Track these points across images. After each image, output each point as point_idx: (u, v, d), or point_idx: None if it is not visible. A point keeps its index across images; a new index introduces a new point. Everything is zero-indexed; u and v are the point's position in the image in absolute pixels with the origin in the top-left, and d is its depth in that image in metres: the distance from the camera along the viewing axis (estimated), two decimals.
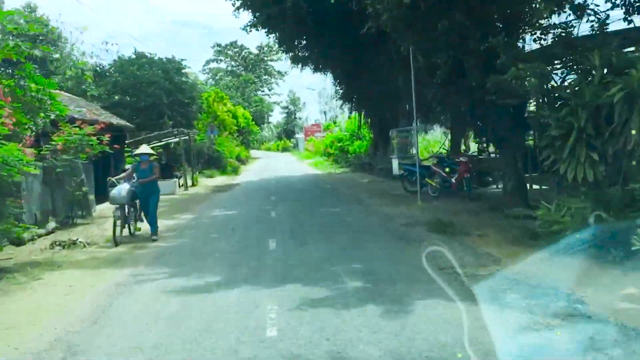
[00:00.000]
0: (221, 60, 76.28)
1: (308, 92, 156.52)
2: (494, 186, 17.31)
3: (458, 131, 21.65)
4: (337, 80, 30.98)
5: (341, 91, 31.70)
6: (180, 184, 24.84)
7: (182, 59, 34.33)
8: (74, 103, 19.76)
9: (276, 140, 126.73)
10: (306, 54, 27.16)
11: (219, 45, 75.42)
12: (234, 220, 14.04)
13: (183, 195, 22.22)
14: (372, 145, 32.37)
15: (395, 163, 23.61)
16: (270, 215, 14.56)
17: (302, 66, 28.82)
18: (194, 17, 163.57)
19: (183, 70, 34.37)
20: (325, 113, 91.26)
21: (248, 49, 76.59)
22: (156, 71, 32.71)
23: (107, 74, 33.10)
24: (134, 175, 11.83)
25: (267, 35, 27.15)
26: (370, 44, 18.80)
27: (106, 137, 14.49)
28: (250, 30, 23.84)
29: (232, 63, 77.05)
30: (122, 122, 23.17)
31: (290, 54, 27.90)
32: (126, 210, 11.36)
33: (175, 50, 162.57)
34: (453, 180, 16.10)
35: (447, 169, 16.56)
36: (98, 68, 33.46)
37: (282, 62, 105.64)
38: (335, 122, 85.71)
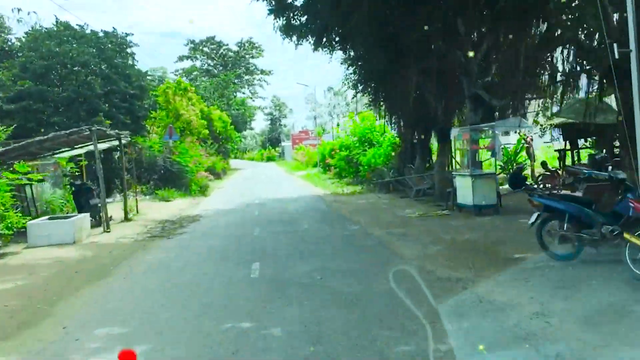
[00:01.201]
0: (196, 58, 66.13)
1: (293, 99, 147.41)
2: None
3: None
4: (357, 66, 21.22)
5: (356, 77, 21.87)
6: (100, 220, 14.70)
7: (126, 34, 24.16)
8: None
9: (260, 149, 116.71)
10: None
11: (192, 41, 65.42)
12: None
13: (81, 251, 12.04)
14: (401, 155, 22.52)
15: (463, 183, 13.80)
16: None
17: (330, 51, 19.52)
18: (179, 29, 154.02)
19: (128, 50, 24.23)
20: (315, 118, 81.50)
21: (227, 45, 66.64)
22: (86, 49, 22.57)
23: (16, 52, 22.82)
24: None
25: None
26: None
27: None
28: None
29: (209, 62, 66.96)
30: None
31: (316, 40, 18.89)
32: None
33: (155, 62, 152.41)
34: None
35: None
36: (2, 44, 23.17)
37: (263, 58, 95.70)
38: (324, 129, 76.12)
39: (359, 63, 21.19)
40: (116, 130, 16.12)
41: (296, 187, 29.60)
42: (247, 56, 66.91)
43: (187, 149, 25.41)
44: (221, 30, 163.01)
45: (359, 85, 22.52)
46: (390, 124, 24.13)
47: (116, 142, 17.02)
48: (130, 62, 24.15)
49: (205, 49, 66.44)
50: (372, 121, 28.56)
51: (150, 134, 26.66)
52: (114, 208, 17.92)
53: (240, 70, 66.60)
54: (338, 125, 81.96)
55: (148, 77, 26.11)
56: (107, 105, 22.64)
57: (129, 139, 17.64)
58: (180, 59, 65.25)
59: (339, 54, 22.06)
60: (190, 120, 28.12)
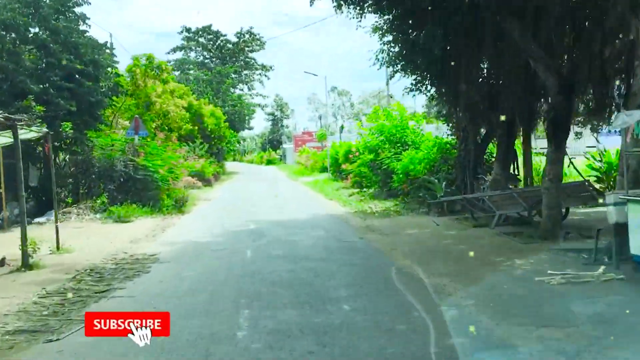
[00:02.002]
0: (191, 49, 59.23)
1: (294, 100, 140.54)
2: None
3: None
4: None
5: (396, 50, 15.05)
6: None
7: None
8: None
9: (260, 151, 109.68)
10: None
11: (188, 30, 58.49)
12: None
13: None
14: (460, 160, 15.63)
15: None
16: None
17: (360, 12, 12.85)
18: (177, 29, 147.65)
19: (77, 9, 17.37)
20: (320, 118, 74.53)
21: (225, 35, 59.76)
22: (14, 4, 15.84)
23: None
24: None
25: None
26: None
27: None
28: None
29: (205, 54, 60.07)
30: None
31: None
32: None
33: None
34: None
35: None
36: None
37: (264, 52, 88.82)
38: (327, 132, 69.25)
39: (401, 31, 14.43)
40: (5, 114, 9.22)
41: (305, 199, 22.71)
42: (246, 49, 60.05)
43: (159, 149, 18.50)
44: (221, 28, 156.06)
45: (397, 62, 15.69)
46: (443, 117, 17.21)
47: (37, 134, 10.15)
48: (79, 26, 17.27)
49: (202, 40, 59.59)
50: (405, 115, 21.68)
51: (112, 129, 19.76)
52: (44, 233, 11.15)
53: (239, 64, 59.73)
54: (342, 127, 75.33)
55: (108, 51, 19.19)
56: (41, 85, 15.77)
57: (45, 130, 10.77)
58: (174, 50, 58.44)
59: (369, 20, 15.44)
60: (167, 112, 21.20)
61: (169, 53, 59.27)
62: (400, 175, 18.60)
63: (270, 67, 60.71)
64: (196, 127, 34.56)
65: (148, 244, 11.92)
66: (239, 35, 59.42)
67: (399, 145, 20.66)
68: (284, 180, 38.37)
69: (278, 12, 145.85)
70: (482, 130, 15.62)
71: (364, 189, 23.33)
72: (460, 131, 15.57)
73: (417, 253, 9.75)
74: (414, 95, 16.96)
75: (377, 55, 15.79)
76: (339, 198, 21.93)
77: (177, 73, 52.46)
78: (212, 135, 36.72)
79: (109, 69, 18.97)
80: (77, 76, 16.81)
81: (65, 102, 15.97)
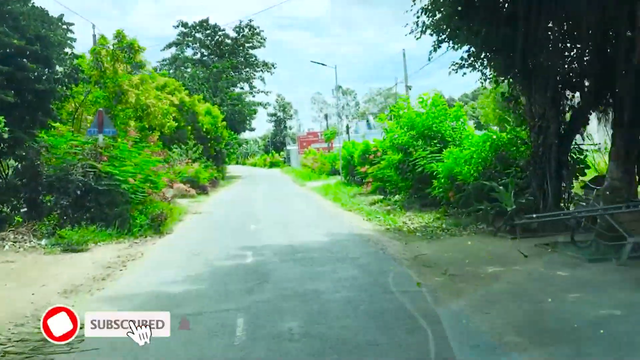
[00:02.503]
0: (187, 45, 54.92)
1: (297, 103, 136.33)
2: None
3: None
4: None
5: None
6: None
7: None
8: None
9: (263, 153, 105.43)
10: None
11: (184, 24, 54.17)
12: None
13: None
14: (535, 162, 11.21)
15: None
16: None
17: None
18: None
19: None
20: (326, 116, 70.19)
21: (223, 30, 55.48)
22: None
23: None
24: None
25: None
26: None
27: None
28: None
29: (203, 50, 55.78)
30: None
31: None
32: None
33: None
34: None
35: None
36: None
37: (266, 53, 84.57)
38: (335, 131, 64.88)
39: None
40: None
41: (318, 211, 18.37)
42: (246, 45, 55.73)
43: (130, 152, 14.17)
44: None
45: (446, 27, 11.37)
46: (508, 102, 12.79)
47: None
48: None
49: (199, 35, 55.32)
50: (442, 104, 17.28)
51: (77, 128, 15.51)
52: None
53: (239, 60, 55.41)
54: (347, 127, 71.02)
55: (64, 27, 14.85)
56: None
57: None
58: (169, 46, 54.14)
59: None
60: (145, 106, 16.85)
61: (163, 50, 55.21)
62: (443, 180, 14.24)
63: (273, 65, 56.46)
64: (189, 127, 30.30)
65: (84, 297, 7.60)
66: (238, 29, 55.16)
67: (435, 142, 16.30)
68: (289, 186, 34.06)
69: (280, 16, 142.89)
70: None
71: (389, 196, 19.01)
72: (536, 119, 11.18)
73: (544, 334, 5.37)
74: (464, 74, 12.61)
75: (418, 16, 11.44)
76: (360, 208, 17.61)
77: (171, 71, 48.31)
78: (208, 136, 32.42)
79: (67, 50, 14.68)
80: (16, 56, 12.51)
81: (10, 95, 11.70)
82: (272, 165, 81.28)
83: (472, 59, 11.87)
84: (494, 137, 13.58)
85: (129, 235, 12.93)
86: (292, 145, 74.62)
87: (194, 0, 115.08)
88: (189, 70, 50.32)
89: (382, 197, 19.56)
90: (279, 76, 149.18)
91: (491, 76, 12.87)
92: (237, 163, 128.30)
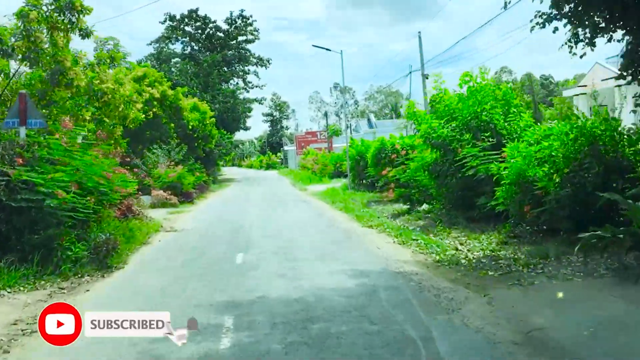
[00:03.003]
0: (176, 39, 50.50)
1: (294, 104, 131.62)
2: None
3: None
4: None
5: None
6: None
7: None
8: None
9: (259, 155, 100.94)
10: None
11: (172, 18, 49.69)
12: None
13: None
14: None
15: None
16: None
17: None
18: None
19: None
20: (326, 114, 65.79)
21: (214, 22, 51.04)
22: None
23: None
24: None
25: None
26: None
27: None
28: None
29: (193, 44, 51.34)
30: None
31: None
32: None
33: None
34: None
35: None
36: None
37: (260, 47, 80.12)
38: (339, 130, 60.61)
39: None
40: None
41: (328, 228, 13.95)
42: (239, 38, 51.33)
43: (65, 151, 9.84)
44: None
45: None
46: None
47: None
48: None
49: (188, 29, 50.89)
50: (488, 88, 12.95)
51: None
52: None
53: (233, 53, 51.02)
54: (348, 125, 66.88)
55: None
56: None
57: None
58: (156, 41, 49.63)
59: None
60: (100, 90, 12.50)
61: (150, 44, 50.68)
62: (508, 187, 9.97)
63: (268, 60, 52.03)
64: (172, 124, 25.99)
65: None
66: (229, 21, 50.74)
67: (487, 135, 12.02)
68: (288, 190, 29.75)
69: (278, 17, 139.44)
70: None
71: (417, 207, 14.76)
72: None
73: None
74: (556, 29, 8.34)
75: None
76: (381, 224, 13.31)
77: (156, 67, 43.86)
78: (195, 135, 28.07)
79: None
80: None
81: None
82: (269, 167, 76.98)
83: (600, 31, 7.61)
84: (585, 126, 9.30)
85: (55, 276, 8.62)
86: (290, 145, 70.34)
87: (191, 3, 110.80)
88: (178, 65, 45.90)
89: (406, 206, 15.31)
90: (275, 78, 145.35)
91: (587, 34, 8.65)
92: (232, 165, 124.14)
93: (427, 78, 25.64)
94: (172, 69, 40.52)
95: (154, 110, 25.13)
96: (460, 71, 15.20)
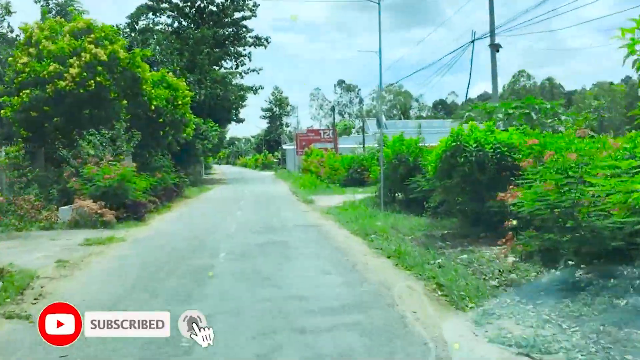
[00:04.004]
0: (163, 12, 41.97)
1: (294, 104, 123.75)
2: None
3: None
4: None
5: None
6: None
7: None
8: None
9: (255, 153, 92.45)
10: None
11: None
12: None
13: None
14: None
15: None
16: None
17: None
18: None
19: None
20: (333, 109, 57.14)
21: None
22: None
23: None
24: None
25: None
26: None
27: None
28: None
29: (181, 20, 42.88)
30: None
31: None
32: None
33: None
34: None
35: None
36: None
37: (257, 18, 71.31)
38: (351, 125, 52.14)
39: None
40: None
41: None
42: (235, 14, 42.90)
43: None
44: None
45: None
46: None
47: None
48: None
49: (176, 1, 42.35)
50: None
51: None
52: None
53: (226, 34, 42.60)
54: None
55: None
56: None
57: None
58: (137, 15, 40.68)
59: None
60: None
61: (130, 20, 41.42)
62: None
63: (267, 39, 43.62)
64: (124, 101, 17.54)
65: None
66: None
67: None
68: (288, 204, 21.18)
69: (278, 18, 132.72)
70: None
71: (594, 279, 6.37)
72: None
73: None
74: None
75: None
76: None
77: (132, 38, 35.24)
78: (162, 120, 19.57)
79: None
80: None
81: None
82: (265, 167, 68.55)
83: None
84: None
85: None
86: (289, 144, 61.90)
87: None
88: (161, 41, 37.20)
89: (551, 269, 6.96)
90: (273, 79, 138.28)
91: None
92: (227, 163, 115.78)
93: (498, 50, 17.32)
94: (150, 41, 31.95)
95: (99, 79, 16.72)
96: None
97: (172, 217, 16.26)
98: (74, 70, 16.37)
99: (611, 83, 59.04)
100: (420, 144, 16.75)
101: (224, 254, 9.72)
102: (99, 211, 13.60)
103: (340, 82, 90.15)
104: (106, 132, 15.97)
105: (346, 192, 24.26)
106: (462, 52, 18.64)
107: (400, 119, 77.56)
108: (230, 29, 42.47)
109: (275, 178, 43.88)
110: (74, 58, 16.67)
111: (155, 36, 34.12)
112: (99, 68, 16.80)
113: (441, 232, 11.49)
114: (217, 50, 40.27)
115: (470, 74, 18.48)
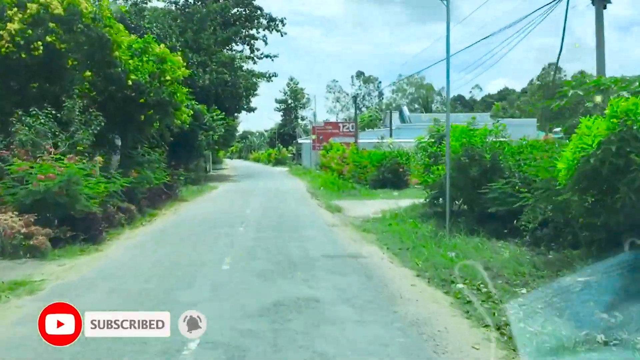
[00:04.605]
0: None
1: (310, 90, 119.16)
2: None
3: None
4: None
5: None
6: None
7: None
8: None
9: (268, 147, 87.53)
10: None
11: None
12: None
13: None
14: None
15: None
16: None
17: None
18: None
19: None
20: (355, 99, 51.87)
21: None
22: None
23: None
24: None
25: None
26: None
27: None
28: None
29: None
30: None
31: None
32: None
33: None
34: None
35: None
36: None
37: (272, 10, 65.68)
38: (377, 116, 47.00)
39: None
40: None
41: None
42: None
43: None
44: None
45: None
46: None
47: None
48: None
49: None
50: None
51: None
52: None
53: (237, 15, 37.60)
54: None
55: None
56: None
57: None
58: None
59: None
60: None
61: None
62: None
63: (282, 20, 38.54)
64: (89, 72, 12.68)
65: None
66: None
67: None
68: (308, 218, 15.94)
69: (293, 11, 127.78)
70: None
71: None
72: None
73: None
74: None
75: None
76: None
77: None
78: (143, 100, 14.57)
79: None
80: None
81: None
82: (278, 162, 63.59)
83: None
84: None
85: None
86: (305, 138, 56.82)
87: None
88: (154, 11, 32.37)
89: None
90: (288, 71, 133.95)
91: None
92: (239, 157, 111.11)
93: (577, 46, 12.10)
94: (146, 15, 27.09)
95: (50, 39, 11.89)
96: None
97: (144, 238, 11.30)
98: (12, 26, 11.53)
99: None
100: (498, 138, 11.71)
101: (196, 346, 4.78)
102: (23, 230, 8.77)
103: (360, 74, 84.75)
104: (53, 111, 11.07)
105: (379, 195, 19.30)
106: (548, 11, 13.39)
107: (421, 112, 72.09)
108: (242, 9, 37.41)
109: (290, 177, 38.96)
110: (15, 10, 11.83)
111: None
112: (51, 25, 11.95)
113: (582, 278, 6.43)
114: (225, 30, 35.29)
115: (563, 30, 12.84)
